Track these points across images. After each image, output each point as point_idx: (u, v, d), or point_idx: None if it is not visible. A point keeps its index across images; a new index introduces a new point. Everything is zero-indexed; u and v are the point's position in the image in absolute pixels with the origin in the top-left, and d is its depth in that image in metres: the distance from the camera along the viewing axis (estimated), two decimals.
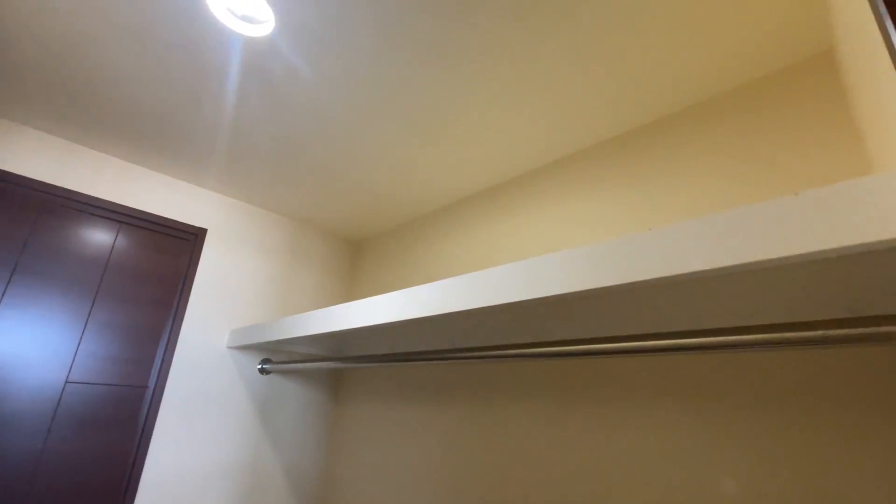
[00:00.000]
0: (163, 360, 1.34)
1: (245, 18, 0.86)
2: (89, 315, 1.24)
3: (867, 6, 0.50)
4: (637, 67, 0.92)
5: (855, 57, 0.68)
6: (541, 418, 1.02)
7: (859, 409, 0.66)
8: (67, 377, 1.19)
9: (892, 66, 0.45)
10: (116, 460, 1.22)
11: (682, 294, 0.56)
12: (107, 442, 1.22)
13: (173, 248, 1.43)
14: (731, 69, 0.91)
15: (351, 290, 1.86)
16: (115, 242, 1.33)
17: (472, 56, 0.91)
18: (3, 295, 1.13)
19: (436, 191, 1.47)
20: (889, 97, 0.53)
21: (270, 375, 1.55)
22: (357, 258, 1.91)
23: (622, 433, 0.89)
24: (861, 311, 0.60)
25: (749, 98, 0.92)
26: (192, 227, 1.48)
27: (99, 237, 1.30)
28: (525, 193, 1.29)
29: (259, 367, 1.51)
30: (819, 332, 0.55)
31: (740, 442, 0.74)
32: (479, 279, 0.68)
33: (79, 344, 1.22)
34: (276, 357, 1.56)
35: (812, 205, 0.42)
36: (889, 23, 0.40)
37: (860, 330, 0.53)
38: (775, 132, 0.86)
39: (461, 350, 0.91)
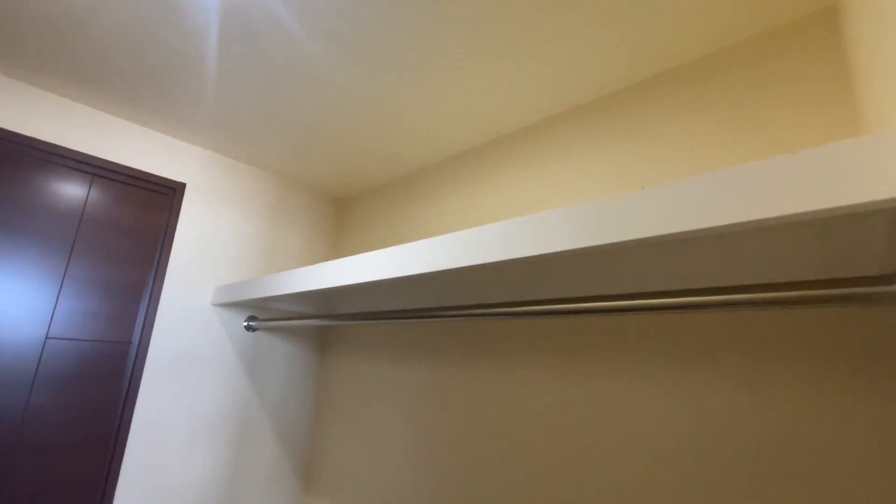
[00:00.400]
0: (146, 317, 1.32)
1: None
2: (66, 271, 1.21)
3: None
4: (637, 21, 0.88)
5: (859, 12, 0.66)
6: (530, 376, 1.05)
7: (844, 364, 0.69)
8: (47, 333, 1.17)
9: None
10: (104, 414, 1.22)
11: (674, 254, 0.56)
12: (93, 396, 1.22)
13: (151, 203, 1.38)
14: (733, 23, 0.88)
15: (337, 249, 1.84)
16: (88, 196, 1.27)
17: (466, 2, 0.86)
18: None
19: (426, 147, 1.43)
20: (889, 55, 0.52)
21: (257, 332, 1.55)
22: (343, 217, 1.88)
23: (613, 391, 0.92)
24: (840, 273, 0.61)
25: (750, 54, 0.89)
26: (171, 181, 1.42)
27: (71, 190, 1.24)
28: (519, 150, 1.27)
29: (245, 324, 1.51)
30: (809, 293, 0.56)
31: (726, 396, 0.78)
32: (472, 236, 0.67)
33: (56, 300, 1.19)
34: (261, 314, 1.56)
35: (809, 164, 0.42)
36: None
37: (841, 291, 0.54)
38: (776, 89, 0.84)
39: (449, 308, 0.92)
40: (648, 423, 0.84)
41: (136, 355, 1.29)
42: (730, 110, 0.89)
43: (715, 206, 0.46)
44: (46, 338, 1.16)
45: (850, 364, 0.67)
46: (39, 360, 1.15)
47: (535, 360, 1.05)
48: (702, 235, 0.47)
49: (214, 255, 1.49)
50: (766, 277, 0.65)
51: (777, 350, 0.73)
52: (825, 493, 0.66)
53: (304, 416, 1.65)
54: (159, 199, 1.40)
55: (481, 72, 1.05)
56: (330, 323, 1.17)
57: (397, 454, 1.30)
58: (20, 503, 1.08)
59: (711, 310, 0.61)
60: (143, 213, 1.36)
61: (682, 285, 0.72)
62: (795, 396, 0.71)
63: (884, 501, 0.62)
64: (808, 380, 0.70)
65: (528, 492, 0.98)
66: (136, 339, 1.30)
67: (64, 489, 1.14)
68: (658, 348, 0.86)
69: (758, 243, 0.51)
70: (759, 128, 0.85)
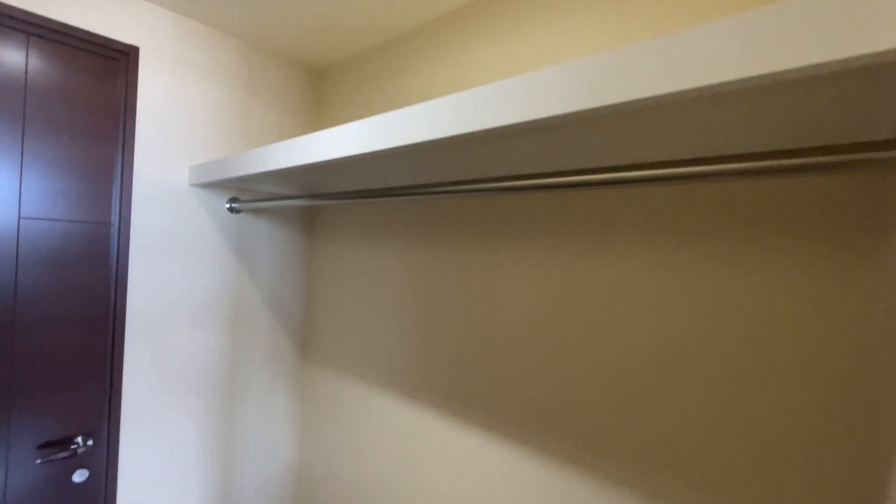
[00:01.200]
0: (121, 197, 1.27)
1: None
2: (23, 148, 1.12)
3: None
4: None
5: None
6: (519, 255, 1.07)
7: (826, 239, 0.70)
8: (19, 213, 1.12)
9: None
10: (97, 293, 1.24)
11: (685, 115, 0.52)
12: (82, 277, 1.22)
13: (101, 70, 1.23)
14: None
15: (318, 127, 1.73)
16: (28, 62, 1.12)
17: None
18: None
19: (409, 6, 1.25)
20: None
21: (242, 215, 1.52)
22: (323, 91, 1.73)
23: (604, 271, 0.94)
24: (837, 139, 0.59)
25: None
26: (120, 43, 1.25)
27: (6, 54, 1.09)
28: (514, 9, 1.12)
29: (227, 206, 1.47)
30: (804, 160, 0.54)
31: (721, 275, 0.80)
32: (461, 100, 0.61)
33: (20, 179, 1.12)
34: (244, 196, 1.52)
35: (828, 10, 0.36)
36: None
37: (844, 157, 0.52)
38: None
39: (436, 185, 0.88)
40: (640, 303, 0.88)
41: (119, 237, 1.27)
42: None
43: (746, 55, 0.41)
44: (20, 217, 1.12)
45: (866, 236, 0.68)
46: (18, 239, 1.12)
47: (524, 239, 1.06)
48: (737, 89, 0.42)
49: (184, 131, 1.38)
50: (770, 146, 0.62)
51: (780, 226, 0.74)
52: (829, 374, 0.71)
53: (296, 296, 1.71)
54: (110, 65, 1.24)
55: None
56: (315, 203, 1.14)
57: (387, 329, 1.38)
58: (33, 372, 1.15)
59: (713, 180, 0.59)
60: (94, 81, 1.22)
61: (679, 156, 0.70)
62: (801, 275, 0.73)
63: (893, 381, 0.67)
64: (816, 258, 0.72)
65: (514, 367, 1.07)
66: (114, 219, 1.26)
67: (73, 359, 1.21)
68: (651, 225, 0.86)
69: (777, 102, 0.47)
70: None
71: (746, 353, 0.75)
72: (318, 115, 1.73)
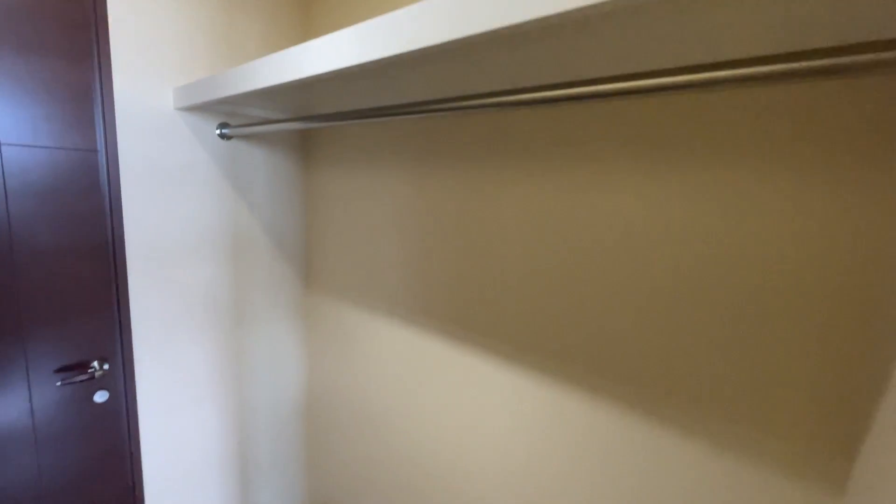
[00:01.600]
0: (105, 122, 1.21)
1: None
2: None
3: None
4: None
5: None
6: (521, 177, 1.05)
7: (846, 149, 0.68)
8: None
9: None
10: (93, 223, 1.22)
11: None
12: (75, 206, 1.19)
13: None
14: None
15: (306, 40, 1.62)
16: None
17: None
18: None
19: None
20: None
21: (234, 142, 1.46)
22: (310, 1, 1.59)
23: (610, 193, 0.93)
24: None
25: None
26: None
27: None
28: None
29: (218, 131, 1.41)
30: (830, 61, 0.51)
31: (729, 197, 0.79)
32: None
33: None
34: (233, 121, 1.45)
35: None
36: None
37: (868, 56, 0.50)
38: None
39: (440, 101, 0.84)
40: (644, 226, 0.88)
41: (108, 165, 1.22)
42: None
43: None
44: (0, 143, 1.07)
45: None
46: (2, 167, 1.08)
47: (528, 161, 1.03)
48: None
49: (162, 49, 1.28)
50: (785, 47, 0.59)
51: (790, 140, 0.72)
52: (831, 293, 0.73)
53: (296, 224, 1.70)
54: None
55: None
56: (308, 126, 1.09)
57: (388, 255, 1.39)
58: (41, 301, 1.16)
59: (727, 87, 0.56)
60: None
61: (689, 62, 0.66)
62: (818, 196, 0.72)
63: None
64: (839, 181, 0.71)
65: (516, 292, 1.09)
66: (100, 146, 1.21)
67: (78, 288, 1.22)
68: (656, 146, 0.84)
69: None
70: None
71: (753, 274, 0.77)
72: (308, 30, 1.61)
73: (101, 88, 1.19)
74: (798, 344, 0.72)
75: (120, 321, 1.30)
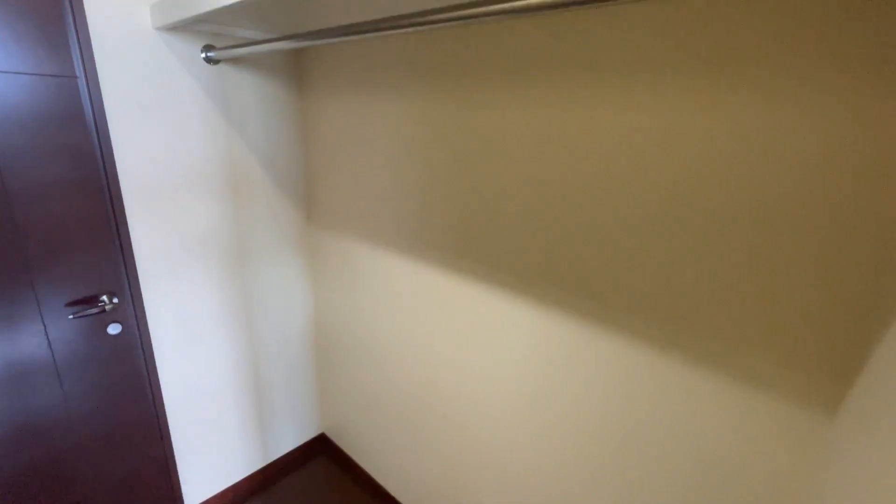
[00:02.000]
0: (80, 45, 1.12)
1: None
2: None
3: None
4: None
5: None
6: (525, 96, 0.98)
7: (859, 67, 0.62)
8: None
9: None
10: (82, 155, 1.18)
11: None
12: (60, 137, 1.14)
13: None
14: None
15: None
16: None
17: None
18: None
19: None
20: None
21: (222, 68, 1.37)
22: None
23: (617, 112, 0.87)
24: None
25: None
26: None
27: None
28: None
29: (203, 55, 1.31)
30: None
31: (746, 111, 0.74)
32: None
33: None
34: (219, 43, 1.35)
35: None
36: None
37: None
38: None
39: (438, 10, 0.76)
40: (646, 148, 0.83)
41: (89, 92, 1.16)
42: None
43: None
44: None
45: None
46: None
47: (531, 83, 0.96)
48: None
49: None
50: None
51: (801, 53, 0.65)
52: (834, 215, 0.69)
53: (293, 155, 1.64)
54: None
55: None
56: (298, 45, 1.00)
57: (389, 185, 1.35)
58: (42, 237, 1.15)
59: None
60: None
61: None
62: (826, 108, 0.66)
63: None
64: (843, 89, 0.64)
65: (519, 220, 1.06)
66: (79, 72, 1.14)
67: (77, 223, 1.20)
68: (658, 62, 0.77)
69: None
70: None
71: (756, 192, 0.73)
72: None
73: (72, 7, 1.09)
74: (801, 267, 0.71)
75: (123, 256, 1.30)
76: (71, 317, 1.24)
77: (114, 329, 1.32)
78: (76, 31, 1.11)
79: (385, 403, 1.66)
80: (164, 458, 1.56)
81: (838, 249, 0.68)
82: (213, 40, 1.33)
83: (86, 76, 1.14)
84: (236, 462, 1.79)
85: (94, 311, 1.27)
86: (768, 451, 0.80)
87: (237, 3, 0.86)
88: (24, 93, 1.07)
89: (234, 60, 1.40)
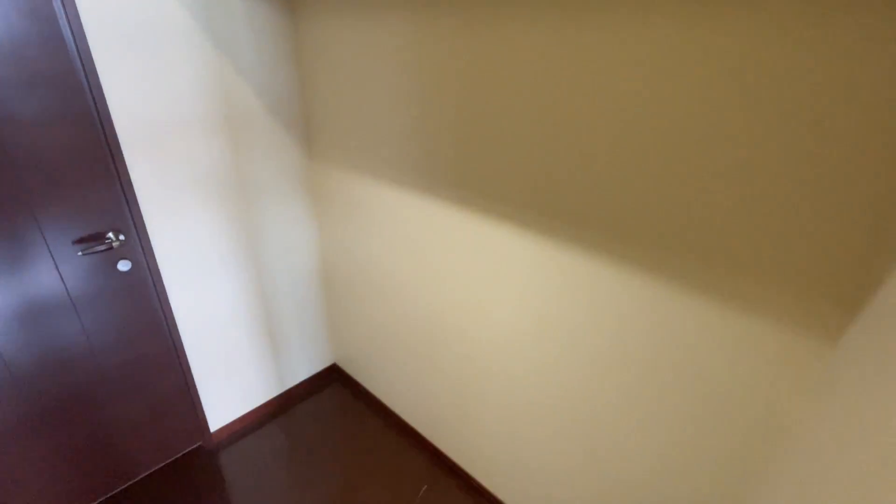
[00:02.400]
0: None
1: None
2: None
3: None
4: None
5: None
6: (531, 25, 0.90)
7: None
8: None
9: None
10: (67, 86, 1.13)
11: None
12: (40, 66, 1.08)
13: None
14: None
15: None
16: None
17: None
18: None
19: None
20: None
21: None
22: None
23: (613, 42, 0.79)
24: None
25: None
26: None
27: None
28: None
29: None
30: None
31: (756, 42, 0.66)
32: None
33: None
34: None
35: None
36: None
37: None
38: None
39: None
40: (648, 79, 0.76)
41: (69, 23, 1.08)
42: None
43: None
44: None
45: None
46: None
47: (534, 6, 0.87)
48: None
49: None
50: None
51: None
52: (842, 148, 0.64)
53: (290, 86, 1.56)
54: None
55: None
56: None
57: (389, 116, 1.29)
58: (37, 174, 1.14)
59: None
60: None
61: None
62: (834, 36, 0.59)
63: None
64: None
65: (520, 150, 1.01)
66: (57, 6, 1.06)
67: (71, 159, 1.18)
68: None
69: None
70: None
71: (756, 126, 0.68)
72: None
73: None
74: (806, 188, 0.67)
75: (125, 193, 1.29)
76: (80, 254, 1.26)
77: (124, 266, 1.35)
78: None
79: (392, 334, 1.71)
80: (186, 386, 1.65)
81: (848, 171, 0.64)
82: None
83: (64, 9, 1.06)
84: (254, 390, 1.89)
85: (102, 248, 1.28)
86: (768, 379, 0.82)
87: None
88: None
89: None
